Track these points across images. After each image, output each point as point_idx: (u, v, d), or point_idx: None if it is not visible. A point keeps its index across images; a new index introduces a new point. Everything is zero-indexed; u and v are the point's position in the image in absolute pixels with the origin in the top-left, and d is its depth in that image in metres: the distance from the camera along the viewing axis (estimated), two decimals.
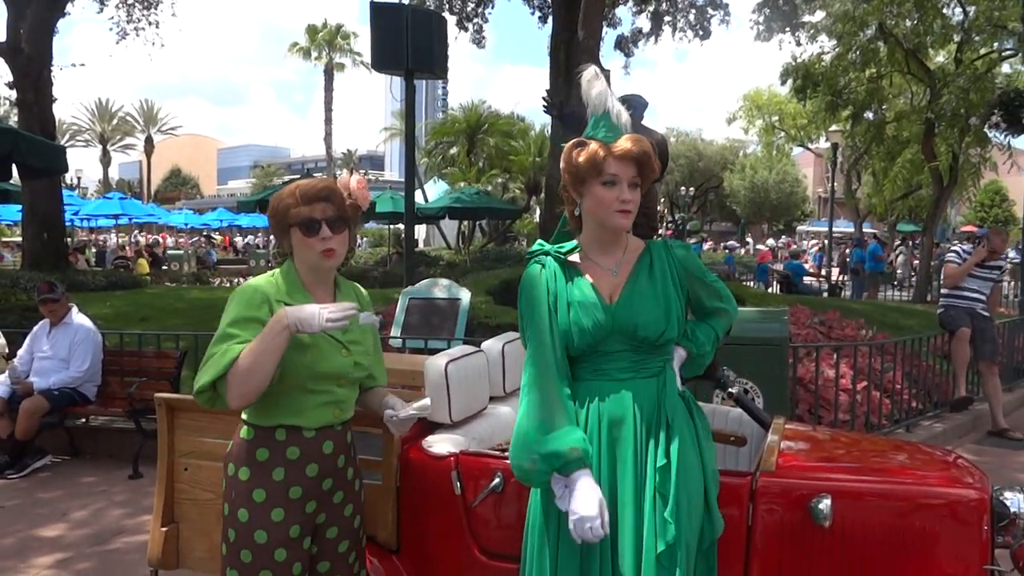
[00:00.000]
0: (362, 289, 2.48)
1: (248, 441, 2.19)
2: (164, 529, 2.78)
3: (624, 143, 2.06)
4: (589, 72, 2.17)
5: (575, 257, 2.18)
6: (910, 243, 25.32)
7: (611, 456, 2.05)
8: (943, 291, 7.29)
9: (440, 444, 2.63)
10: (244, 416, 2.22)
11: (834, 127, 21.23)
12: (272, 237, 2.41)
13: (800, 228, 46.96)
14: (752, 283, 18.81)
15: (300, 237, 2.18)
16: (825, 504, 2.19)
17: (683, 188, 43.37)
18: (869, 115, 19.56)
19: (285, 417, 2.17)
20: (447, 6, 15.49)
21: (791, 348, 5.59)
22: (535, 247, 2.25)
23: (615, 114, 2.12)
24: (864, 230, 31.95)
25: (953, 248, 7.64)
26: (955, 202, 34.31)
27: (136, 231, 37.27)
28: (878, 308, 11.00)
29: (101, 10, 15.28)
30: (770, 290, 17.37)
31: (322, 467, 2.20)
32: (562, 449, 1.94)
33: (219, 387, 2.05)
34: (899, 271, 20.55)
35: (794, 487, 2.30)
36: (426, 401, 2.43)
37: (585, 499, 1.90)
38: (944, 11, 16.51)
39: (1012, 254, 17.86)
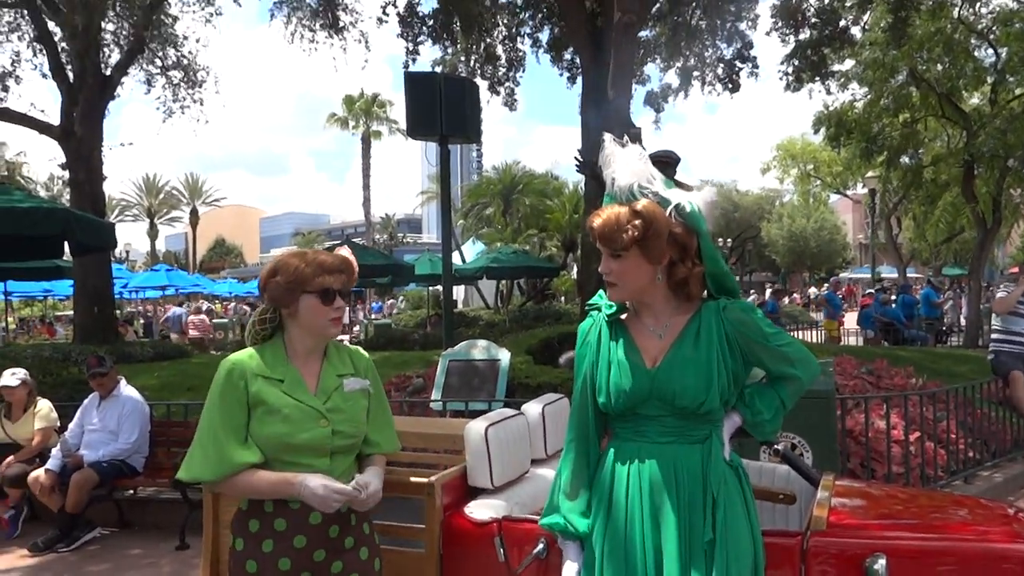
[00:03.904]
0: (362, 352, 2.47)
1: (243, 512, 2.23)
2: None
3: (593, 217, 2.09)
4: (603, 154, 2.18)
5: (626, 315, 2.19)
6: (957, 287, 24.76)
7: (654, 522, 2.02)
8: (993, 336, 7.13)
9: (482, 510, 2.62)
10: None
11: (870, 173, 21.10)
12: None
13: (843, 275, 46.33)
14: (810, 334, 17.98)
15: (315, 304, 2.22)
16: (880, 564, 2.13)
17: (720, 239, 43.19)
18: (905, 160, 19.41)
19: None
20: (479, 72, 15.85)
21: (839, 400, 5.47)
22: (594, 299, 2.25)
23: (617, 187, 2.11)
24: (908, 275, 31.43)
25: (1003, 287, 7.55)
26: (1001, 243, 33.66)
27: (185, 301, 38.01)
28: (928, 355, 10.73)
29: (148, 91, 15.93)
30: (884, 342, 15.50)
31: (311, 539, 2.18)
32: (561, 523, 2.15)
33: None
34: (947, 316, 20.06)
35: (847, 546, 2.24)
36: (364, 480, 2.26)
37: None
38: (975, 53, 16.47)
39: None
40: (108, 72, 13.79)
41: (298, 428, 2.17)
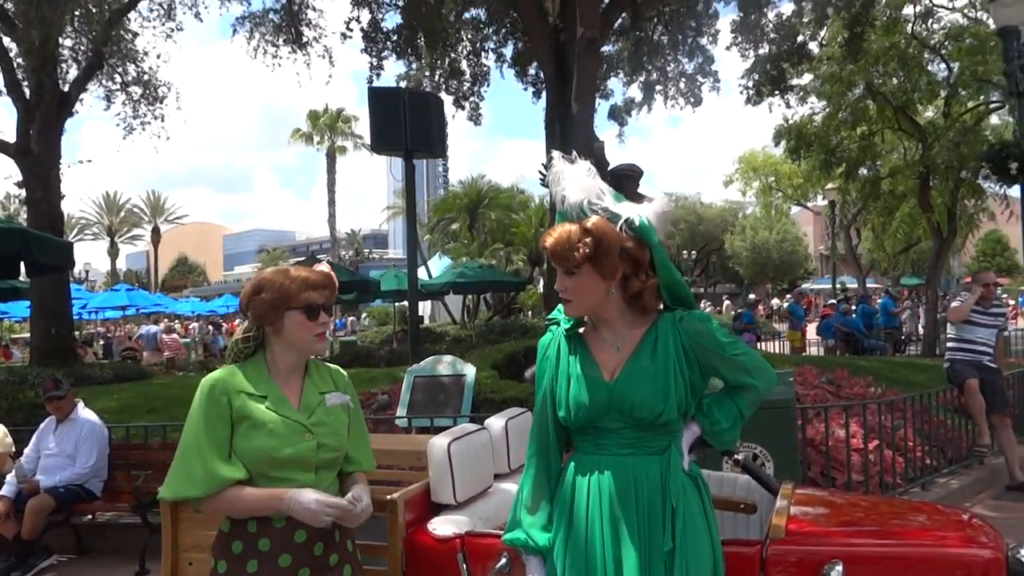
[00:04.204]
0: (341, 371, 2.47)
1: (225, 534, 2.21)
2: None
3: (545, 236, 2.13)
4: (552, 171, 2.20)
5: (584, 329, 2.21)
6: (914, 297, 25.27)
7: (614, 533, 2.03)
8: (948, 344, 7.26)
9: (445, 526, 2.61)
10: None
11: (830, 185, 21.48)
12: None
13: (804, 286, 47.05)
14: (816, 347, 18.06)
15: (300, 320, 2.22)
16: (837, 571, 2.17)
17: (684, 252, 43.64)
18: (863, 171, 19.80)
19: None
20: (443, 87, 15.89)
21: (799, 409, 5.55)
22: (554, 314, 2.27)
23: (568, 205, 2.13)
24: (868, 285, 31.98)
25: (957, 297, 7.71)
26: (956, 253, 34.42)
27: (146, 321, 37.43)
28: (886, 364, 10.92)
29: (108, 107, 15.68)
30: (839, 352, 15.97)
31: (296, 557, 2.17)
32: (523, 538, 2.15)
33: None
34: (906, 326, 20.44)
35: (805, 554, 2.27)
36: (342, 501, 2.22)
37: None
38: (929, 68, 16.89)
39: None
40: (66, 88, 13.57)
41: (284, 442, 2.17)
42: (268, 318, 2.24)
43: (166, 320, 28.29)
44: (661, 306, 2.18)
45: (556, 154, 2.21)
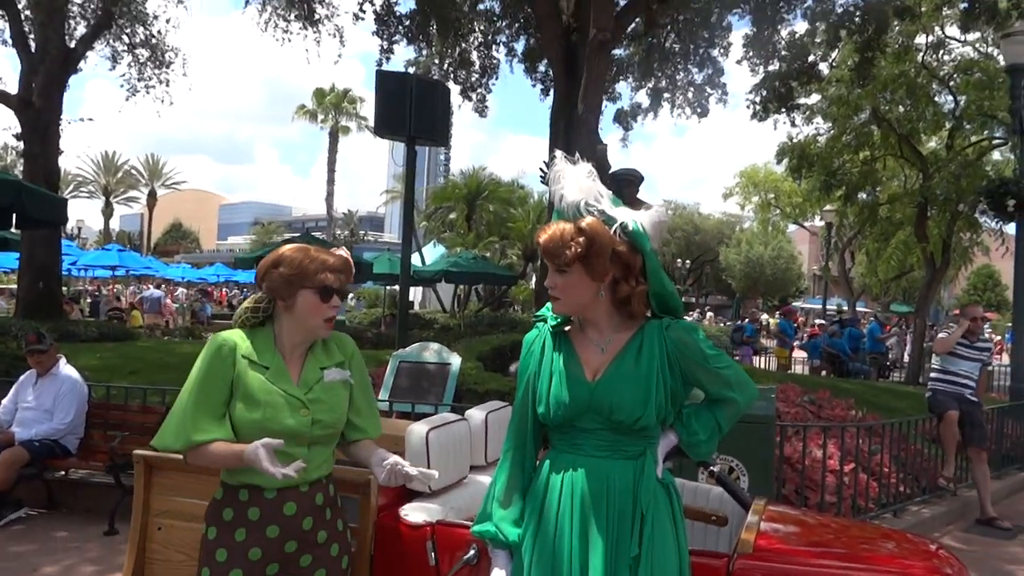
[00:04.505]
0: (346, 338, 2.47)
1: (218, 501, 2.24)
2: None
3: (540, 232, 2.14)
4: (553, 170, 2.20)
5: (570, 328, 2.22)
6: (903, 324, 25.40)
7: (583, 534, 2.04)
8: (931, 375, 7.31)
9: (416, 513, 2.61)
10: (220, 474, 2.27)
11: (828, 207, 21.54)
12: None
13: (795, 304, 47.19)
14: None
15: (313, 300, 2.24)
16: None
17: (679, 261, 43.71)
18: (863, 196, 19.87)
19: (247, 476, 2.20)
20: (452, 76, 15.83)
21: (779, 426, 5.57)
22: (542, 311, 2.28)
23: (565, 204, 2.14)
24: (859, 309, 32.09)
25: (945, 328, 7.78)
26: (947, 284, 34.60)
27: (135, 283, 37.32)
28: (869, 388, 10.98)
29: (113, 67, 15.60)
30: (823, 372, 16.04)
31: (284, 529, 2.19)
32: (492, 531, 2.16)
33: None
34: (892, 352, 20.55)
35: (771, 571, 2.28)
36: (434, 473, 2.30)
37: None
38: (936, 99, 16.96)
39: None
40: (72, 45, 13.50)
41: (278, 414, 2.19)
42: (281, 292, 2.26)
43: (144, 283, 28.21)
44: (649, 313, 2.18)
45: (559, 153, 2.22)
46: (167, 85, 15.86)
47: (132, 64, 15.54)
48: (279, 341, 2.30)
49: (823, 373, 15.98)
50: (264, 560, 2.18)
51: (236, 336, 2.27)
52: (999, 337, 26.55)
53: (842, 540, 2.78)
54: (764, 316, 37.30)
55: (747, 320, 19.80)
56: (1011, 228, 10.99)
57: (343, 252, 2.36)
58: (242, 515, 2.19)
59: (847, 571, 2.33)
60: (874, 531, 3.13)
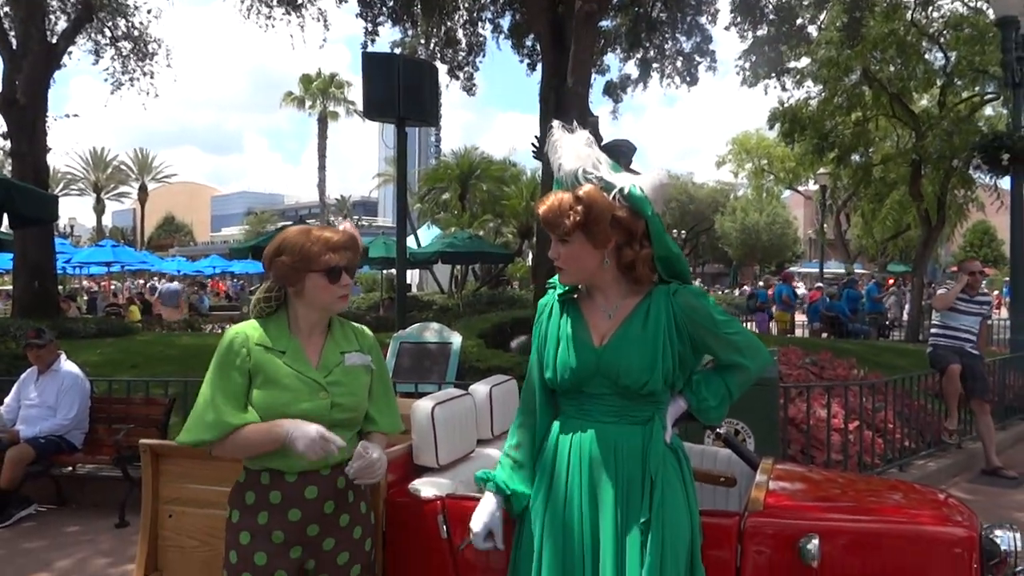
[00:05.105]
0: (366, 330, 2.47)
1: (240, 484, 2.24)
2: None
3: (539, 203, 2.13)
4: (551, 139, 2.19)
5: (578, 295, 2.21)
6: (901, 283, 25.45)
7: (592, 497, 2.05)
8: (932, 330, 7.33)
9: (427, 487, 2.61)
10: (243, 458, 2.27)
11: (822, 170, 21.50)
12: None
13: (791, 269, 47.27)
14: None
15: (322, 283, 2.22)
16: (813, 544, 2.18)
17: (675, 231, 43.69)
18: (856, 158, 19.82)
19: (269, 460, 2.19)
20: (439, 56, 15.70)
21: (782, 388, 5.59)
22: (553, 279, 2.27)
23: (563, 173, 2.13)
24: (856, 271, 32.14)
25: (943, 285, 7.80)
26: (944, 242, 34.64)
27: (131, 278, 37.23)
28: (870, 348, 11.01)
29: (96, 62, 15.44)
30: (824, 335, 16.14)
31: (305, 513, 2.19)
32: (497, 478, 2.22)
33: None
34: (890, 312, 20.60)
35: (782, 527, 2.28)
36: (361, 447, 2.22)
37: (477, 515, 2.20)
38: (926, 56, 16.85)
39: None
40: (54, 40, 13.34)
41: (297, 398, 2.17)
42: (289, 280, 2.24)
43: (140, 278, 28.09)
44: (656, 278, 2.17)
45: (556, 123, 2.20)
46: (151, 77, 15.72)
47: (115, 57, 15.39)
48: (294, 325, 2.28)
49: (824, 335, 16.03)
50: (287, 543, 2.17)
51: (248, 327, 2.26)
52: (996, 292, 26.61)
53: (850, 493, 2.79)
54: (762, 283, 37.42)
55: (760, 285, 19.82)
56: (1006, 183, 10.96)
57: (347, 226, 2.33)
58: (264, 499, 2.18)
59: (857, 523, 2.34)
60: (881, 484, 3.14)
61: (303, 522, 2.18)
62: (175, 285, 21.81)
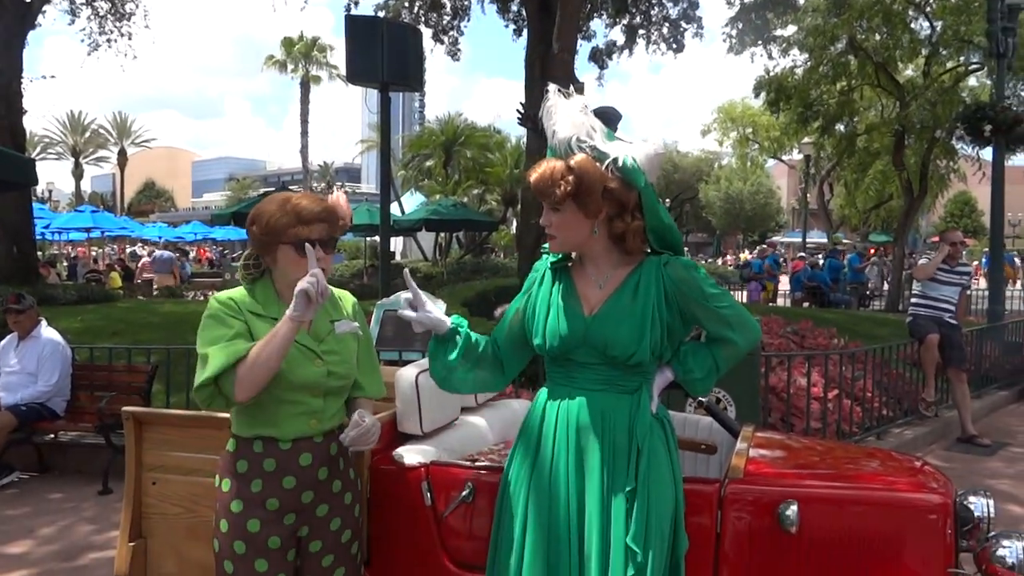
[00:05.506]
0: (349, 296, 2.44)
1: (231, 453, 2.22)
2: (131, 544, 2.73)
3: (531, 171, 2.11)
4: (546, 105, 2.16)
5: (571, 264, 2.22)
6: (882, 254, 25.66)
7: (579, 465, 2.06)
8: (912, 300, 7.41)
9: (411, 455, 2.63)
10: (231, 428, 2.24)
11: (806, 139, 21.51)
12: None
13: (774, 239, 47.48)
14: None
15: (292, 256, 2.17)
16: (792, 510, 2.22)
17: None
18: (840, 127, 19.84)
19: (262, 428, 2.18)
20: (423, 20, 15.49)
21: (763, 357, 5.64)
22: (545, 246, 2.27)
23: (556, 140, 2.11)
24: (842, 241, 32.35)
25: (924, 255, 7.88)
26: (925, 212, 34.86)
27: (110, 244, 36.86)
28: (851, 318, 11.13)
29: (72, 22, 15.13)
30: (806, 304, 16.21)
31: (300, 479, 2.18)
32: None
33: (222, 383, 2.06)
34: (871, 281, 20.77)
35: (762, 493, 2.32)
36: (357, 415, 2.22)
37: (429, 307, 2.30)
38: (912, 25, 16.81)
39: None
40: None
41: (294, 365, 2.14)
42: (263, 251, 2.21)
43: (120, 244, 27.80)
44: (648, 249, 2.17)
45: (552, 87, 2.16)
46: (129, 39, 15.43)
47: (92, 17, 15.08)
48: (281, 294, 2.25)
49: (805, 305, 16.17)
50: (281, 510, 2.17)
51: (236, 293, 2.23)
52: (976, 262, 26.87)
53: (828, 461, 2.84)
54: (745, 253, 37.53)
55: (755, 256, 19.92)
56: (987, 154, 11.03)
57: (333, 196, 2.28)
58: (257, 466, 2.17)
59: (835, 490, 2.38)
60: (859, 451, 3.19)
61: (298, 489, 2.18)
62: (168, 252, 21.67)
